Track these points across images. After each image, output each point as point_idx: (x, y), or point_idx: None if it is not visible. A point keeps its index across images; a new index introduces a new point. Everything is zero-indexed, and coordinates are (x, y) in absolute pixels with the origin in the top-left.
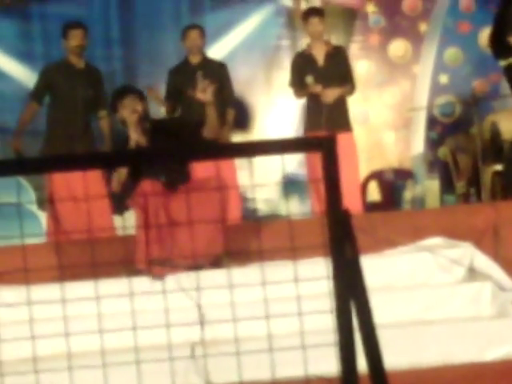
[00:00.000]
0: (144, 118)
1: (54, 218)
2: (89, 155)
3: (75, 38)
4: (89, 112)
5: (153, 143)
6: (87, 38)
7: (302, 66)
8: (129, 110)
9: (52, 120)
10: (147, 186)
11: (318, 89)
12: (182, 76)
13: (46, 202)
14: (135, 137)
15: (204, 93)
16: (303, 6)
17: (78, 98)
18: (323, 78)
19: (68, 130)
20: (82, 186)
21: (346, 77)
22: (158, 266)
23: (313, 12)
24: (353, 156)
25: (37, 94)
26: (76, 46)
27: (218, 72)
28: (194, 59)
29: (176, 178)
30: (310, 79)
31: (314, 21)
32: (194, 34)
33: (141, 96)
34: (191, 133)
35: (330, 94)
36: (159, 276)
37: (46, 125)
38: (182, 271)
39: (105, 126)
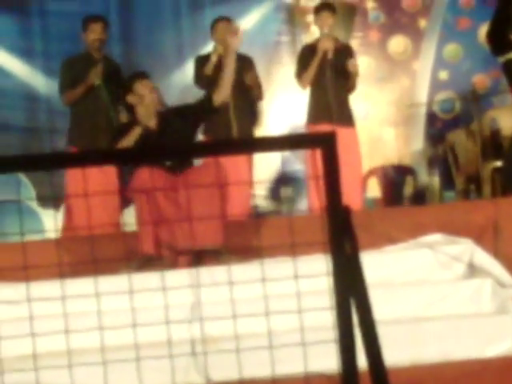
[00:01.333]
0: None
1: (69, 214)
2: (96, 152)
3: (95, 31)
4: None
5: (165, 128)
6: (107, 31)
7: (311, 56)
8: (148, 90)
9: (75, 113)
10: (145, 173)
11: (327, 43)
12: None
13: (51, 199)
14: (146, 120)
15: (234, 38)
16: (303, 2)
17: (99, 90)
18: (332, 69)
19: (92, 123)
20: (94, 182)
21: (351, 74)
22: (167, 249)
23: (325, 7)
24: (355, 151)
25: (69, 84)
26: (95, 39)
27: (242, 65)
28: (222, 50)
29: (179, 163)
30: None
31: (326, 15)
32: (222, 26)
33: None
34: (202, 104)
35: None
36: (172, 261)
37: (70, 119)
38: (186, 256)
39: (124, 119)
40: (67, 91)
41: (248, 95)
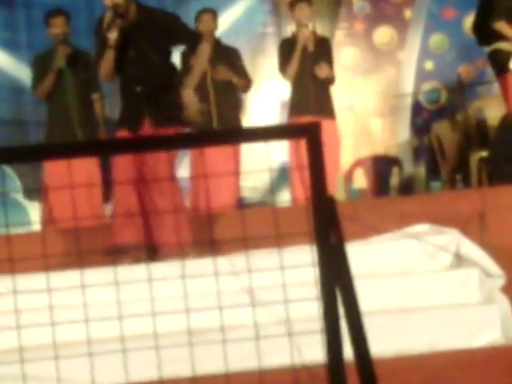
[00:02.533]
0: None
1: (49, 207)
2: (77, 144)
3: (56, 26)
4: (84, 96)
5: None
6: (69, 24)
7: (291, 50)
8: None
9: (50, 109)
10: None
11: (306, 32)
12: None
13: (36, 190)
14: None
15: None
16: None
17: (70, 84)
18: (312, 61)
19: (67, 116)
20: (76, 174)
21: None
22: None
23: None
24: (334, 144)
25: (39, 80)
26: (57, 33)
27: (228, 56)
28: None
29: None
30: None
31: (302, 6)
32: (206, 18)
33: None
34: (188, 34)
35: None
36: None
37: (47, 114)
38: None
39: (98, 109)
40: (37, 86)
41: (231, 86)
